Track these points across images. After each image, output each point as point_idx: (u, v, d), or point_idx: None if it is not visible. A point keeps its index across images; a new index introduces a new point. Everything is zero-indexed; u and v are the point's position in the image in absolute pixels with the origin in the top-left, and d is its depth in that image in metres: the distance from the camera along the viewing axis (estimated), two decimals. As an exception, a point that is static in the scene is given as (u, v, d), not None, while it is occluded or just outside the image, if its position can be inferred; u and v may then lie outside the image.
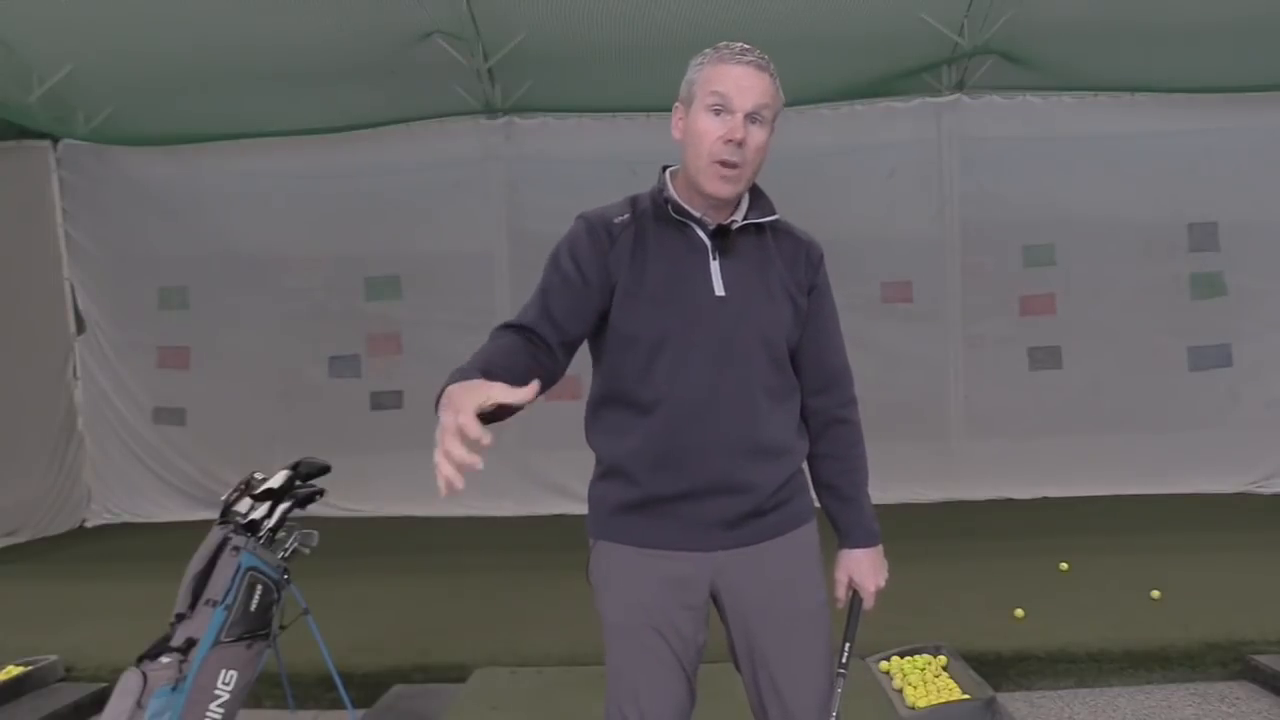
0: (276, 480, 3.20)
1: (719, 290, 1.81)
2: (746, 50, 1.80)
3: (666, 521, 1.85)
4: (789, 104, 6.84)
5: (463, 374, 1.54)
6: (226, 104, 6.68)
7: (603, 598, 1.91)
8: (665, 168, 1.92)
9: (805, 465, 2.01)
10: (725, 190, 1.79)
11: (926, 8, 6.18)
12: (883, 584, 2.03)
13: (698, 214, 1.84)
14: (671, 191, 1.86)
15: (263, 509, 3.13)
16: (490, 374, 1.53)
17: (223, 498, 3.21)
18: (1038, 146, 6.84)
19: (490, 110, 7.01)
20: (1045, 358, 7.01)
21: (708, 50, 1.83)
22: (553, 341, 1.78)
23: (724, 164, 1.77)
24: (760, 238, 1.89)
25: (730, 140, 1.76)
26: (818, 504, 2.05)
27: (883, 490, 7.55)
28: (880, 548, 2.04)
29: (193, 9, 5.83)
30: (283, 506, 3.16)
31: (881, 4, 6.08)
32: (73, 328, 7.38)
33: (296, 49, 6.17)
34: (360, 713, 3.53)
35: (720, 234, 1.84)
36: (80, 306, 7.39)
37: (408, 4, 5.97)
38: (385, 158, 6.97)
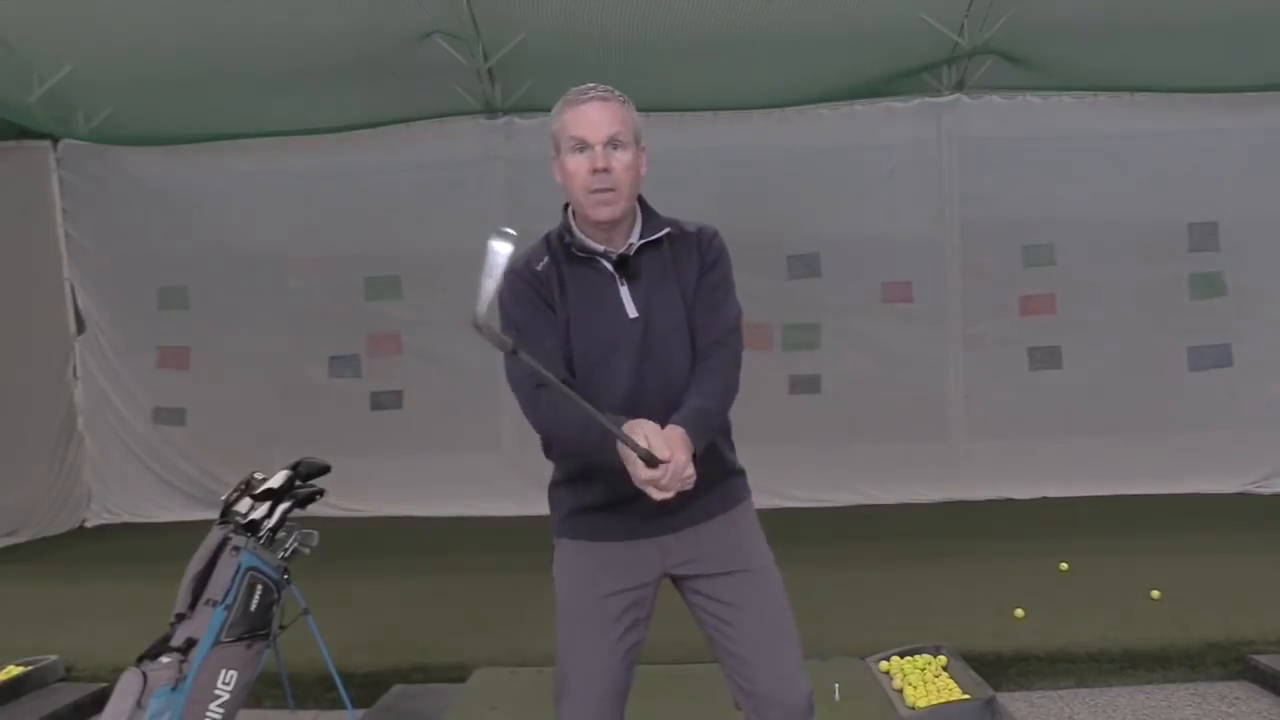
0: (276, 480, 3.20)
1: (632, 313, 2.03)
2: (591, 88, 2.02)
3: (614, 517, 2.06)
4: (789, 104, 6.84)
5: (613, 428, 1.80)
6: (226, 104, 6.68)
7: (558, 585, 2.17)
8: (566, 205, 2.11)
9: (732, 446, 2.18)
10: (606, 213, 2.00)
11: (926, 8, 6.17)
12: (686, 471, 1.85)
13: (600, 248, 2.04)
14: (575, 230, 2.08)
15: (263, 509, 3.13)
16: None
17: (223, 498, 3.21)
18: (1038, 146, 6.84)
19: (490, 110, 7.01)
20: (1045, 358, 7.01)
21: (559, 101, 2.06)
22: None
23: (597, 192, 1.98)
24: (658, 251, 2.07)
25: (597, 170, 1.97)
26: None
27: (883, 490, 7.54)
28: (691, 448, 1.89)
29: (193, 9, 5.83)
30: (283, 506, 3.16)
31: (881, 4, 6.07)
32: (73, 328, 7.39)
33: (296, 49, 6.17)
34: (360, 713, 3.53)
35: (622, 261, 2.05)
36: (80, 306, 7.39)
37: (408, 4, 5.97)
38: (385, 158, 6.97)
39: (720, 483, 2.12)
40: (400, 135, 6.96)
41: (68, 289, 7.35)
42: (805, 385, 7.00)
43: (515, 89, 6.89)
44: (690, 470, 1.85)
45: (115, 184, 7.26)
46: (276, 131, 6.87)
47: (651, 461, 1.78)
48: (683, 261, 2.07)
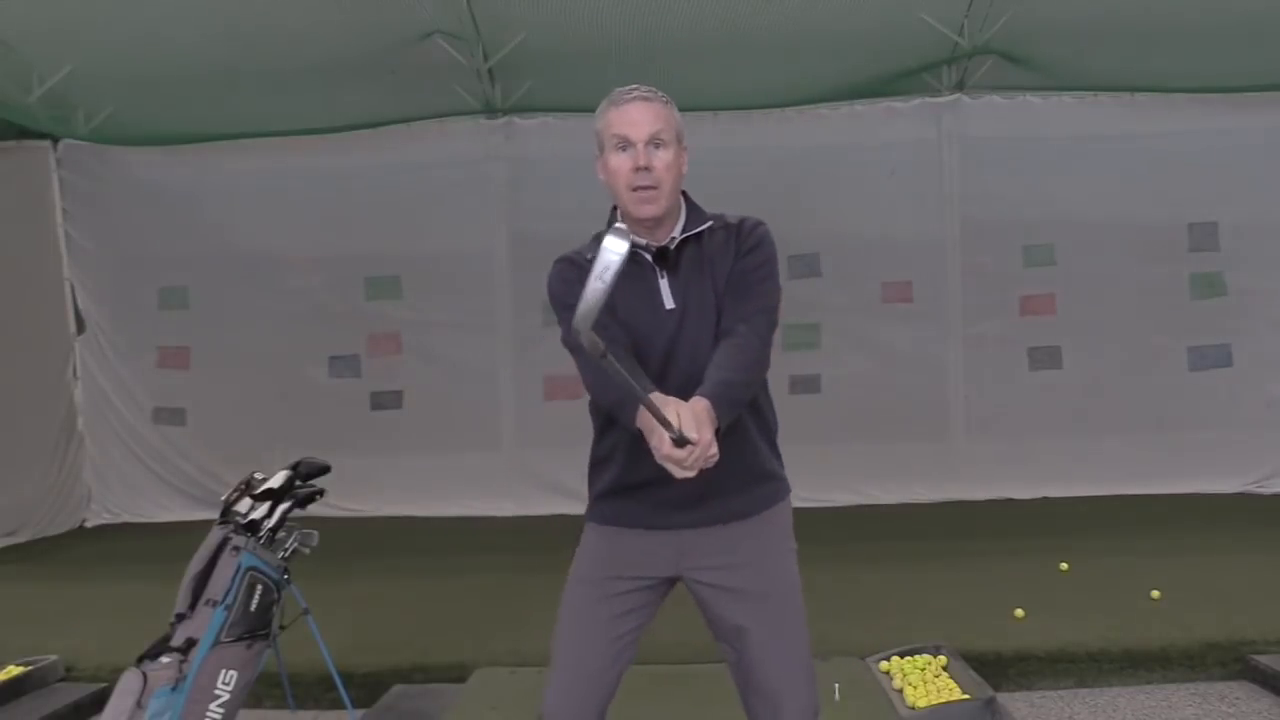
0: (276, 480, 3.20)
1: (669, 304, 2.07)
2: (634, 89, 2.06)
3: (635, 504, 2.10)
4: (789, 104, 6.83)
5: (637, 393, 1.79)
6: (226, 104, 6.67)
7: (575, 559, 2.19)
8: (615, 206, 2.13)
9: (773, 447, 2.19)
10: (649, 210, 2.04)
11: (926, 8, 6.17)
12: (709, 449, 1.81)
13: (643, 242, 2.07)
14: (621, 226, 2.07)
15: (263, 509, 3.13)
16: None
17: (223, 498, 3.21)
18: (1038, 146, 6.84)
19: (490, 110, 7.00)
20: (1045, 358, 7.01)
21: (603, 100, 2.09)
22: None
23: (639, 189, 2.02)
24: (699, 246, 2.10)
25: (639, 168, 2.01)
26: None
27: (883, 490, 7.54)
28: (715, 423, 1.87)
29: (193, 9, 5.83)
30: (283, 506, 3.16)
31: (881, 4, 6.07)
32: (73, 328, 7.38)
33: (297, 49, 6.17)
34: (360, 713, 3.53)
35: (662, 254, 2.08)
36: (80, 306, 7.39)
37: (408, 4, 5.97)
38: (385, 158, 6.97)
39: (751, 485, 2.13)
40: (400, 135, 6.95)
41: (68, 289, 7.34)
42: (805, 385, 6.99)
43: (515, 89, 6.88)
44: (714, 449, 1.81)
45: (115, 184, 7.25)
46: (276, 131, 6.86)
47: (681, 442, 1.77)
48: (718, 253, 2.10)
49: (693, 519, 2.08)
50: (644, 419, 1.85)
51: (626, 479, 2.09)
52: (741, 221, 2.14)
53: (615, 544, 2.13)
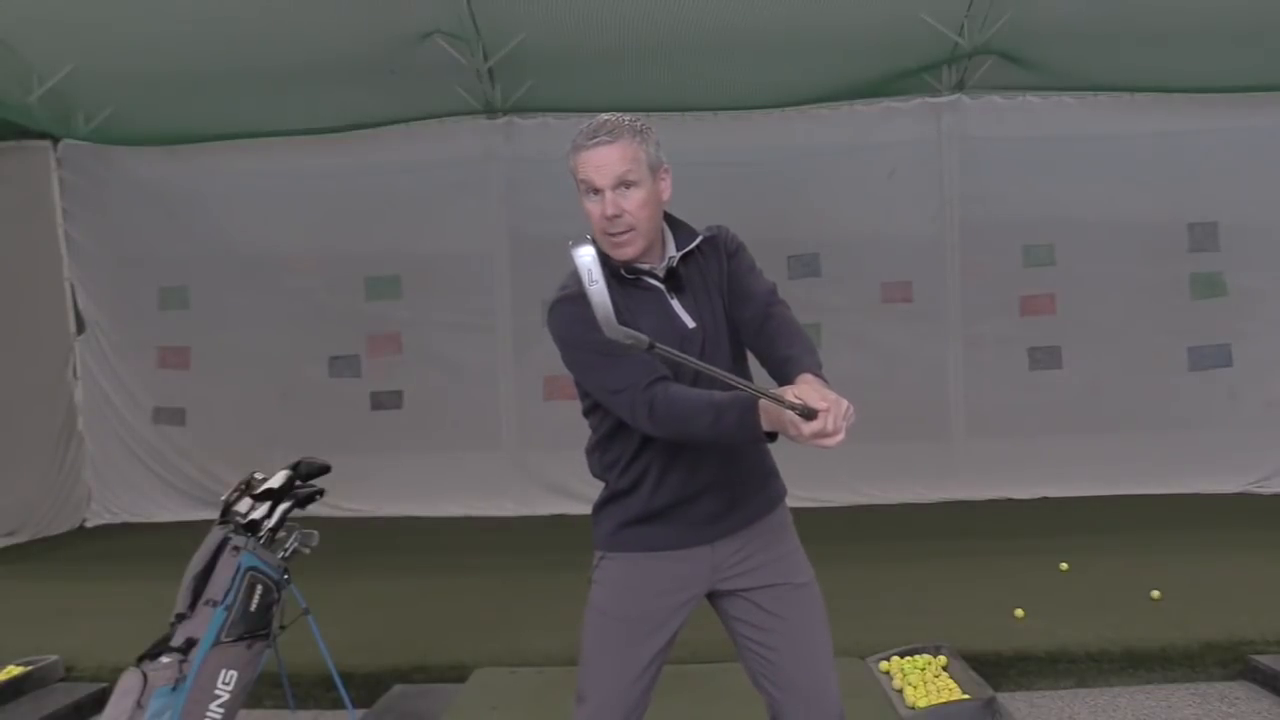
0: (276, 480, 3.20)
1: (690, 323, 2.04)
2: (596, 130, 1.96)
3: (665, 527, 2.07)
4: (789, 104, 6.80)
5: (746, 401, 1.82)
6: (226, 104, 6.68)
7: (597, 594, 2.13)
8: (592, 237, 2.05)
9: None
10: (626, 253, 2.01)
11: (926, 8, 6.18)
12: (843, 405, 1.76)
13: (646, 266, 2.05)
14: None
15: (263, 509, 3.13)
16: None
17: (223, 498, 3.21)
18: (1038, 146, 6.83)
19: (490, 110, 7.01)
20: (1045, 358, 7.01)
21: (571, 140, 2.01)
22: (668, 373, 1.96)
23: (612, 235, 1.98)
24: (695, 261, 2.10)
25: (608, 216, 1.96)
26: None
27: (883, 490, 7.52)
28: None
29: (193, 9, 5.84)
30: (283, 506, 3.16)
31: (881, 4, 6.08)
32: (73, 328, 7.38)
33: (297, 49, 6.18)
34: (360, 713, 3.53)
35: (668, 275, 2.06)
36: (80, 306, 7.39)
37: (408, 4, 5.97)
38: (385, 158, 6.97)
39: (766, 482, 2.17)
40: (400, 135, 6.95)
41: (68, 289, 7.34)
42: (805, 385, 6.99)
43: (515, 89, 6.88)
44: (848, 403, 1.76)
45: (115, 184, 7.25)
46: (277, 131, 6.87)
47: (809, 414, 1.71)
48: (711, 266, 2.10)
49: (723, 528, 2.08)
50: (767, 413, 1.79)
51: (654, 504, 2.06)
52: (714, 235, 2.13)
53: (648, 571, 2.09)
